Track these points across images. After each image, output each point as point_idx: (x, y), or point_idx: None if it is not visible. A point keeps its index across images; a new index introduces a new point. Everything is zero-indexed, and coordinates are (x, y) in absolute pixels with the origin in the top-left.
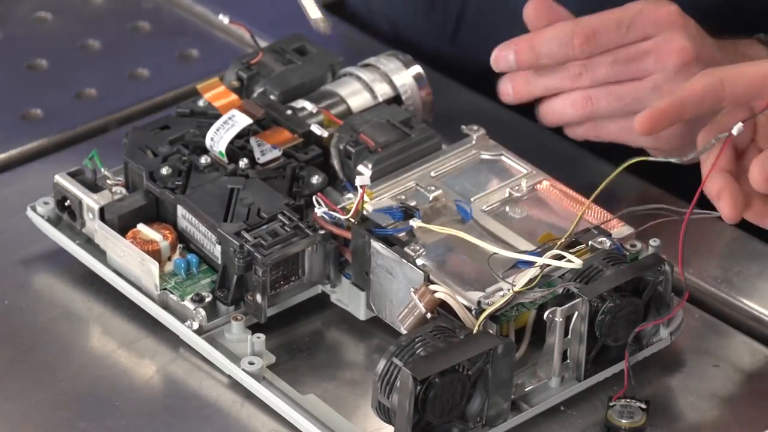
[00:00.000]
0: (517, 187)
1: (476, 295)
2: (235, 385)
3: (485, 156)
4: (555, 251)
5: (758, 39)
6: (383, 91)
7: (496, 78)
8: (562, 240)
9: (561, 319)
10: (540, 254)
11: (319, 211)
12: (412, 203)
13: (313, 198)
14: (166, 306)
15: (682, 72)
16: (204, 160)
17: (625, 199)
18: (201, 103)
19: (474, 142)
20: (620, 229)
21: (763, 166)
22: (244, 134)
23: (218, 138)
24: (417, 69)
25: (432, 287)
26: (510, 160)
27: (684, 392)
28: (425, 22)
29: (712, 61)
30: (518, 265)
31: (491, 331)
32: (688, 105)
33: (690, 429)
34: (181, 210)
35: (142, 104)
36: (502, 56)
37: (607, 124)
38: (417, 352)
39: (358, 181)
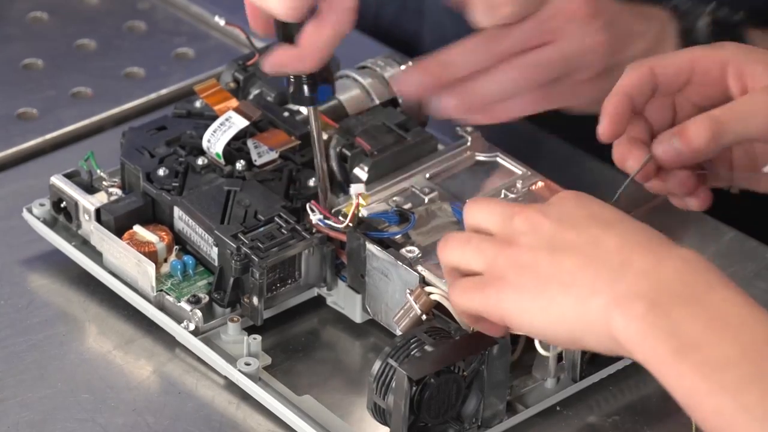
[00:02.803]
0: (512, 189)
1: None
2: (232, 386)
3: (480, 157)
4: None
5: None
6: (380, 93)
7: None
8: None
9: None
10: None
11: (314, 218)
12: (408, 205)
13: (307, 205)
14: (162, 307)
15: (584, 28)
16: (201, 161)
17: (623, 199)
18: (198, 103)
19: (469, 143)
20: None
21: (663, 144)
22: (241, 136)
23: (215, 139)
24: None
25: (427, 289)
26: (505, 162)
27: None
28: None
29: (612, 15)
30: None
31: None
32: (635, 96)
33: (688, 429)
34: (177, 211)
35: (137, 104)
36: (405, 81)
37: (538, 95)
38: (412, 352)
39: (353, 189)
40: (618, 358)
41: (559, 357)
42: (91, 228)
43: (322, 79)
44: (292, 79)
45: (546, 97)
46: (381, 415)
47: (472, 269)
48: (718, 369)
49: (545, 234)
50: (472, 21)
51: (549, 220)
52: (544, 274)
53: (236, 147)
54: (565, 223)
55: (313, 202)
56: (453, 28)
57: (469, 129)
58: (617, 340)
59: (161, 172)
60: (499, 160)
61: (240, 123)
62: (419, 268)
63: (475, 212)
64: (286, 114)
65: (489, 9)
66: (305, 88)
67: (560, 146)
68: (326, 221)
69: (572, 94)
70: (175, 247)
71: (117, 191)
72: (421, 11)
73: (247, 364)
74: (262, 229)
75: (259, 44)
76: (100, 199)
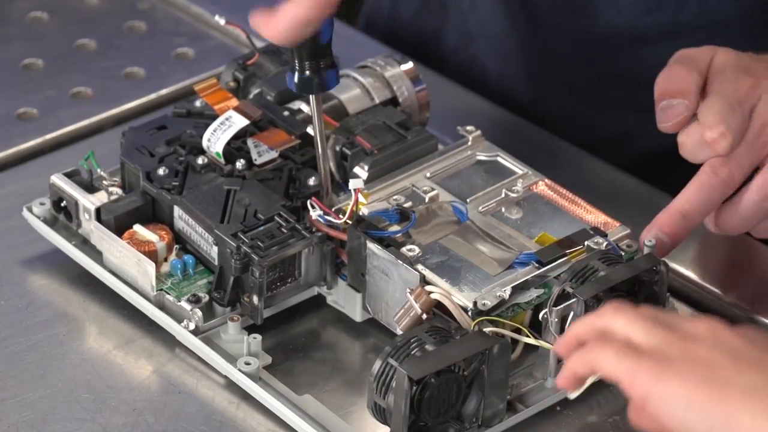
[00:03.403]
0: (513, 188)
1: (472, 296)
2: (232, 386)
3: (481, 157)
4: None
5: None
6: (380, 92)
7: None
8: None
9: (557, 319)
10: (537, 255)
11: (314, 214)
12: (408, 204)
13: (308, 202)
14: (162, 307)
15: None
16: (201, 160)
17: (624, 199)
18: (198, 103)
19: (470, 143)
20: (616, 230)
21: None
22: (240, 135)
23: (215, 139)
24: (414, 71)
25: (428, 288)
26: (506, 161)
27: None
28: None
29: None
30: (514, 266)
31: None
32: None
33: None
34: (177, 211)
35: (137, 104)
36: (651, 237)
37: None
38: (413, 352)
39: (352, 184)
40: None
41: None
42: (91, 227)
43: (326, 67)
44: (296, 66)
45: None
46: (381, 414)
47: (631, 340)
48: None
49: (728, 343)
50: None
51: (735, 335)
52: (721, 376)
53: (236, 146)
54: (755, 343)
55: (314, 198)
56: (477, 24)
57: (470, 128)
58: None
59: (161, 171)
60: (499, 159)
61: (240, 122)
62: (420, 267)
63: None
64: (286, 113)
65: (703, 147)
66: (309, 75)
67: (561, 146)
68: (326, 217)
69: None
70: (175, 246)
71: (117, 190)
72: (444, 8)
73: (247, 364)
74: (261, 228)
75: (259, 44)
76: (101, 198)
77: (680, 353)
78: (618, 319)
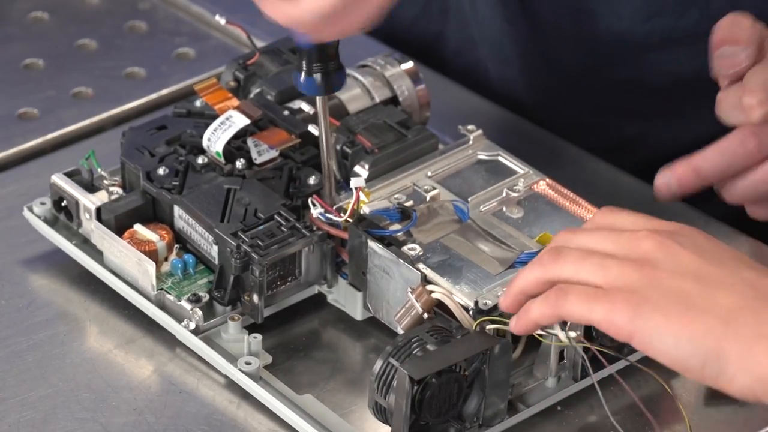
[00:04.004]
0: (514, 187)
1: (473, 295)
2: (232, 385)
3: (482, 156)
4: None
5: None
6: (380, 91)
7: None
8: None
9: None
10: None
11: (315, 212)
12: (409, 203)
13: (309, 199)
14: (162, 306)
15: None
16: (201, 160)
17: (625, 199)
18: (198, 103)
19: (471, 142)
20: None
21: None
22: (241, 135)
23: (215, 138)
24: (414, 70)
25: (429, 287)
26: (507, 161)
27: (681, 392)
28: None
29: None
30: (515, 266)
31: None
32: None
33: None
34: (177, 210)
35: (138, 104)
36: (663, 185)
37: None
38: (414, 352)
39: (353, 182)
40: (617, 358)
41: (561, 356)
42: (91, 227)
43: (334, 69)
44: (304, 68)
45: None
46: (382, 414)
47: (588, 283)
48: None
49: (688, 263)
50: (720, 118)
51: (688, 252)
52: (697, 305)
53: (236, 146)
54: (708, 259)
55: (315, 196)
56: (478, 28)
57: (471, 128)
58: None
59: (161, 171)
60: (500, 158)
61: (240, 122)
62: (421, 266)
63: (607, 217)
64: (286, 113)
65: (738, 110)
66: (317, 77)
67: (561, 145)
68: (327, 215)
69: None
70: (176, 245)
71: (117, 190)
72: (445, 12)
73: (248, 363)
74: (261, 227)
75: (259, 43)
76: (101, 198)
77: (645, 284)
78: (563, 266)
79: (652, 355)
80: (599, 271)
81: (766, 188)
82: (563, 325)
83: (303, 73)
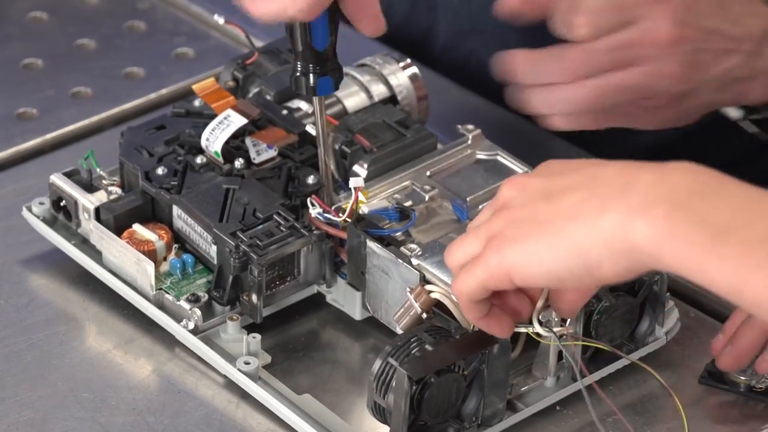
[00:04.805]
0: None
1: None
2: (231, 385)
3: (481, 156)
4: None
5: None
6: (379, 91)
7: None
8: None
9: (557, 319)
10: None
11: (314, 212)
12: (408, 203)
13: (308, 199)
14: (161, 306)
15: (664, 57)
16: (200, 160)
17: None
18: (197, 102)
19: (470, 141)
20: None
21: None
22: (239, 134)
23: (214, 138)
24: (412, 69)
25: (428, 287)
26: (506, 160)
27: (679, 391)
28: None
29: (701, 35)
30: None
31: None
32: None
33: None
34: (176, 210)
35: (137, 104)
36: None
37: (607, 114)
38: (412, 352)
39: (352, 182)
40: (617, 358)
41: (560, 356)
42: (90, 227)
43: (330, 70)
44: (299, 68)
45: (612, 117)
46: (381, 414)
47: (472, 255)
48: (761, 244)
49: (536, 189)
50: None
51: (536, 177)
52: (544, 218)
53: (235, 145)
54: (555, 175)
55: (314, 196)
56: (468, 24)
57: (470, 127)
58: (641, 250)
59: (160, 170)
60: (499, 158)
61: (238, 121)
62: (420, 265)
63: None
64: (284, 112)
65: (565, 27)
66: (311, 78)
67: (560, 145)
68: (326, 215)
69: (640, 117)
70: (174, 245)
71: (116, 190)
72: (434, 8)
73: (247, 363)
74: (260, 226)
75: (258, 43)
76: (100, 197)
77: (503, 225)
78: (452, 255)
79: (535, 284)
80: (474, 239)
81: (571, 106)
82: (563, 322)
83: (312, 75)
